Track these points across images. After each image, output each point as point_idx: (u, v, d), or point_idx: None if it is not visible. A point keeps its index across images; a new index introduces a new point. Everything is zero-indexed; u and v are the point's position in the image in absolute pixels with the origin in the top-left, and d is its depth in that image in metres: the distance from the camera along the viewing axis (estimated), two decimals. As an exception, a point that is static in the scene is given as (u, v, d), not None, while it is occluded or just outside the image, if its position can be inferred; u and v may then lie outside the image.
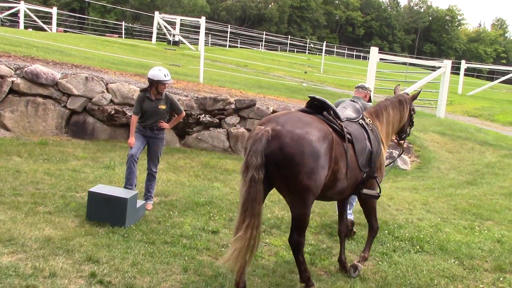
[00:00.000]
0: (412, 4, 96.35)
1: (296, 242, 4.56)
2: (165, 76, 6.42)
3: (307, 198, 4.42)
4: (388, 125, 5.67)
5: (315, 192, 4.43)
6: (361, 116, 5.28)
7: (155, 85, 6.48)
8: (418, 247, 6.25)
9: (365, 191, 5.16)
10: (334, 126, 4.74)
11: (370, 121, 5.36)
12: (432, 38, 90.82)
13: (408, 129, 6.28)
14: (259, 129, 4.33)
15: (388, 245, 6.22)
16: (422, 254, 6.06)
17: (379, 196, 5.29)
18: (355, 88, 6.85)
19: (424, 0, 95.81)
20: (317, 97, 4.95)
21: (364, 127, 5.16)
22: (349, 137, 4.81)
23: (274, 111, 11.28)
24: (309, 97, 5.01)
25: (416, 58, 55.99)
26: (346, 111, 5.23)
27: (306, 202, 4.43)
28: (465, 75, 31.03)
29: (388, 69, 31.01)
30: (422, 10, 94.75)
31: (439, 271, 5.58)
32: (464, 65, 29.06)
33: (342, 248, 5.46)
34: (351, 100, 5.59)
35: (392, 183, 9.86)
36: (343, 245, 5.47)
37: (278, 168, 4.30)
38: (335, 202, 6.02)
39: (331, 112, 4.88)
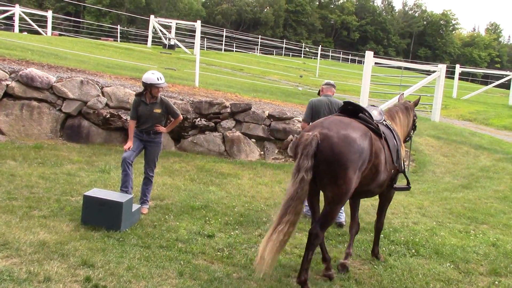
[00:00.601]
0: (406, 9, 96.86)
1: (315, 235, 4.82)
2: (158, 80, 6.42)
3: (349, 192, 4.84)
4: (401, 128, 6.23)
5: (355, 186, 4.87)
6: (383, 118, 5.80)
7: (148, 88, 6.48)
8: (413, 251, 6.26)
9: (396, 185, 5.77)
10: (371, 126, 5.25)
11: (390, 122, 5.87)
12: (426, 43, 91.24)
13: (412, 133, 6.70)
14: (307, 135, 4.80)
15: (384, 248, 6.22)
16: (417, 258, 6.07)
17: (410, 187, 6.11)
18: (325, 85, 7.33)
19: (418, 5, 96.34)
20: (352, 102, 5.66)
21: (389, 127, 5.68)
22: (384, 135, 5.36)
23: (269, 115, 11.30)
24: (344, 102, 5.70)
25: (411, 62, 56.20)
26: (372, 113, 5.66)
27: (347, 195, 4.87)
28: (459, 79, 31.14)
29: (383, 73, 31.12)
30: (416, 14, 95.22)
31: (434, 275, 5.58)
32: (458, 69, 29.17)
33: (351, 243, 5.77)
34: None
35: (388, 187, 9.86)
36: (352, 240, 5.82)
37: (329, 166, 4.74)
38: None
39: (366, 114, 5.44)
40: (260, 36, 50.25)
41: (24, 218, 5.76)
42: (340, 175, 4.74)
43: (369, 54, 15.95)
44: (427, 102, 19.59)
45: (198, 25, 17.15)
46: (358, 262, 5.77)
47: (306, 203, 6.43)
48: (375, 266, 5.67)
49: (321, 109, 7.00)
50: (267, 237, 4.64)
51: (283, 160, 11.24)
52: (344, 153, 4.71)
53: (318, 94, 7.51)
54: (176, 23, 34.43)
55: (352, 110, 5.48)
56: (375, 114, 5.65)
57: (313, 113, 7.05)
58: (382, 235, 6.63)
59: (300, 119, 11.75)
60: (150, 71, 6.58)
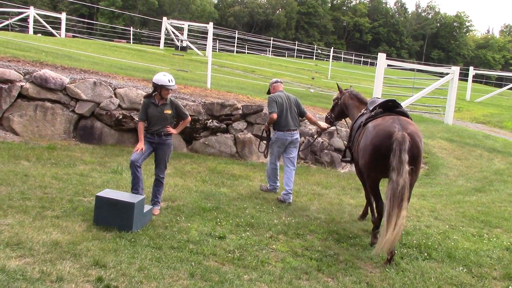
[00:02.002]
0: (420, 11, 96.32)
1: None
2: (169, 82, 6.43)
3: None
4: None
5: None
6: None
7: (159, 89, 6.49)
8: (426, 254, 6.20)
9: None
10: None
11: None
12: (440, 45, 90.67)
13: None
14: (398, 133, 5.68)
15: (396, 252, 6.17)
16: (430, 261, 6.02)
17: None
18: (276, 83, 8.36)
19: (432, 7, 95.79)
20: (392, 99, 6.71)
21: None
22: None
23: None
24: (386, 100, 6.65)
25: (424, 64, 55.91)
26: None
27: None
28: (473, 81, 30.90)
29: (395, 75, 30.98)
30: (430, 16, 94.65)
31: (447, 278, 5.53)
32: (472, 71, 28.95)
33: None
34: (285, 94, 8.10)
35: (400, 189, 9.80)
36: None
37: (415, 160, 5.76)
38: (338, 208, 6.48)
39: (402, 109, 6.59)
40: (272, 38, 50.31)
41: (37, 218, 5.80)
42: (419, 166, 5.97)
43: (381, 56, 15.89)
44: (440, 105, 19.46)
45: (210, 27, 17.19)
46: (370, 265, 5.74)
47: (272, 182, 8.30)
48: (387, 270, 5.63)
49: (283, 102, 8.05)
50: (393, 223, 5.45)
51: (295, 162, 11.22)
52: (422, 149, 5.91)
53: (269, 92, 8.46)
54: (189, 25, 34.56)
55: (392, 106, 6.50)
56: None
57: (278, 106, 7.97)
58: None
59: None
60: (162, 72, 6.59)
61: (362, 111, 7.10)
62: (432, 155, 12.29)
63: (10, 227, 5.40)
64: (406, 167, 5.53)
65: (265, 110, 11.22)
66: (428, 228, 7.32)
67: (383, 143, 5.74)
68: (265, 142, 8.61)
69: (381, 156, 5.75)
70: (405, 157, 5.54)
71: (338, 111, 8.10)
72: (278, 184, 8.40)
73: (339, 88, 8.25)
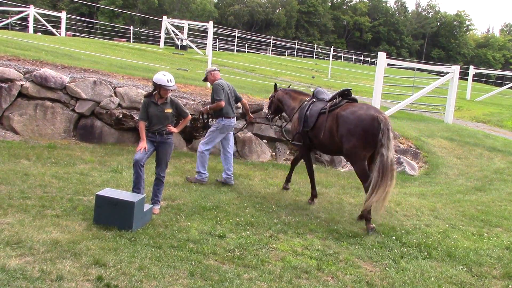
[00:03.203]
0: (420, 10, 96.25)
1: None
2: (168, 82, 6.42)
3: None
4: None
5: None
6: None
7: (158, 89, 6.50)
8: (426, 253, 6.21)
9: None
10: None
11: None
12: (440, 44, 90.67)
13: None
14: (379, 116, 6.77)
15: (396, 251, 6.18)
16: (430, 260, 6.02)
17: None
18: (216, 71, 8.62)
19: (432, 6, 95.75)
20: (349, 89, 7.72)
21: None
22: None
23: (281, 116, 11.29)
24: (344, 89, 7.64)
25: (424, 63, 55.90)
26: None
27: None
28: (473, 80, 30.89)
29: (396, 74, 30.98)
30: (430, 15, 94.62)
31: (447, 278, 5.54)
32: (472, 70, 28.94)
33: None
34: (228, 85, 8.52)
35: (400, 188, 9.81)
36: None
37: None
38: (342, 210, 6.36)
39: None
40: (272, 37, 50.33)
41: (37, 217, 5.81)
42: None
43: (381, 55, 15.88)
44: (440, 104, 19.46)
45: (210, 26, 17.19)
46: (370, 264, 5.74)
47: (203, 171, 8.39)
48: (387, 268, 5.63)
49: (228, 90, 8.44)
50: (382, 188, 6.49)
51: (295, 161, 11.22)
52: None
53: (205, 79, 8.76)
54: (189, 24, 34.56)
55: (347, 94, 7.60)
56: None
57: (224, 93, 8.32)
58: (394, 237, 6.62)
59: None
60: (162, 72, 6.58)
61: (306, 99, 8.11)
62: (432, 154, 12.29)
63: (10, 226, 5.40)
64: (393, 143, 6.74)
65: (265, 109, 11.22)
66: (428, 227, 7.32)
67: (371, 126, 6.75)
68: (202, 123, 8.97)
69: (371, 136, 6.75)
70: (392, 134, 6.71)
71: (274, 108, 8.93)
72: (207, 173, 8.44)
73: (275, 87, 9.12)
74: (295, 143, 8.20)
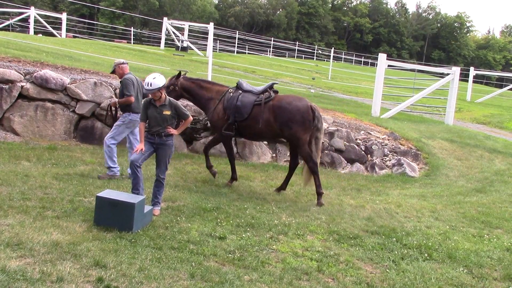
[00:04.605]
0: (420, 11, 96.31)
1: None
2: (147, 85, 6.39)
3: None
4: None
5: None
6: None
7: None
8: (426, 255, 6.20)
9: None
10: None
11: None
12: (440, 45, 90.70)
13: None
14: (312, 105, 8.16)
15: (396, 252, 6.18)
16: (430, 262, 6.02)
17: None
18: (125, 64, 8.40)
19: (432, 7, 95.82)
20: (275, 82, 8.96)
21: None
22: None
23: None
24: (273, 83, 8.65)
25: (425, 64, 55.91)
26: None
27: None
28: (473, 82, 30.91)
29: (396, 75, 30.98)
30: (430, 16, 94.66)
31: (447, 279, 5.53)
32: (472, 72, 28.96)
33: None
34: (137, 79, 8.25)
35: (400, 190, 9.81)
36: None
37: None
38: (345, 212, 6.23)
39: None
40: (272, 38, 50.32)
41: (38, 219, 5.80)
42: None
43: (382, 57, 15.90)
44: (441, 105, 19.47)
45: (211, 27, 17.22)
46: (370, 266, 5.74)
47: (113, 165, 8.16)
48: (387, 270, 5.63)
49: (137, 85, 8.29)
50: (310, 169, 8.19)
51: (295, 162, 11.22)
52: None
53: (113, 72, 8.48)
54: (189, 25, 34.57)
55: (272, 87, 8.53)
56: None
57: (134, 88, 8.18)
58: (394, 239, 6.61)
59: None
60: (153, 74, 6.53)
61: (230, 90, 8.58)
62: (432, 155, 12.28)
63: (11, 228, 5.40)
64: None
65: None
66: (429, 228, 7.32)
67: (307, 113, 7.99)
68: (111, 117, 8.83)
69: (308, 122, 7.99)
70: (322, 120, 8.33)
71: (175, 96, 8.54)
72: (118, 167, 8.25)
73: (178, 74, 8.83)
74: (227, 133, 8.40)
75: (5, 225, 5.48)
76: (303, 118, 7.99)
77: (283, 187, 8.70)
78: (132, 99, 8.10)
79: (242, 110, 8.27)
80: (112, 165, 8.13)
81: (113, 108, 8.71)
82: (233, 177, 8.72)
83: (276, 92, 8.46)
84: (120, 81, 8.28)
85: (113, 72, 8.48)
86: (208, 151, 8.93)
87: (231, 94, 8.51)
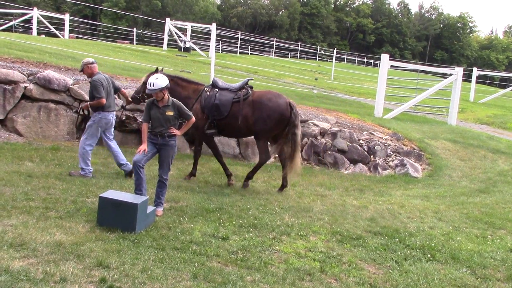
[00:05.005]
0: (423, 11, 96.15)
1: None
2: (149, 85, 6.42)
3: None
4: None
5: None
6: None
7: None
8: (429, 255, 6.19)
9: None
10: None
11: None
12: (443, 45, 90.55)
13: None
14: (290, 101, 8.40)
15: (399, 253, 6.17)
16: (433, 262, 6.01)
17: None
18: (94, 64, 8.32)
19: (435, 7, 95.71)
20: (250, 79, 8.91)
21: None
22: None
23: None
24: (248, 79, 8.68)
25: (427, 65, 55.77)
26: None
27: None
28: (477, 82, 30.85)
29: (399, 76, 30.95)
30: (433, 17, 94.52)
31: (450, 280, 5.52)
32: (475, 72, 28.90)
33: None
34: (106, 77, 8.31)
35: (403, 190, 9.80)
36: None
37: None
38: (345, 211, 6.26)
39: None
40: (275, 39, 50.33)
41: (41, 219, 5.81)
42: None
43: (384, 57, 15.89)
44: (444, 106, 19.44)
45: (213, 28, 17.24)
46: (373, 267, 5.73)
47: (86, 166, 8.06)
48: (390, 271, 5.62)
49: (107, 85, 8.24)
50: (297, 160, 8.35)
51: (298, 163, 11.21)
52: None
53: (82, 71, 8.38)
54: (192, 26, 34.59)
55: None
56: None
57: (104, 89, 8.13)
58: (397, 239, 6.60)
59: (315, 121, 11.74)
60: (156, 74, 6.57)
61: (205, 89, 8.55)
62: (435, 156, 12.26)
63: (14, 228, 5.41)
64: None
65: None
66: (432, 229, 7.30)
67: (286, 110, 8.21)
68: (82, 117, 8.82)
69: (285, 119, 8.23)
70: (299, 116, 8.57)
71: None
72: (91, 168, 8.17)
73: (156, 70, 8.69)
74: (210, 132, 8.46)
75: (9, 225, 5.49)
76: (281, 115, 8.22)
77: (283, 184, 8.77)
78: (104, 101, 8.07)
79: (221, 109, 8.34)
80: (84, 167, 8.07)
81: (85, 111, 8.59)
82: (228, 174, 8.79)
83: (251, 88, 8.58)
84: (90, 83, 8.27)
85: (82, 71, 8.43)
86: (198, 155, 8.99)
87: (208, 92, 8.51)
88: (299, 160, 8.42)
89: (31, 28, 29.59)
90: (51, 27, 30.41)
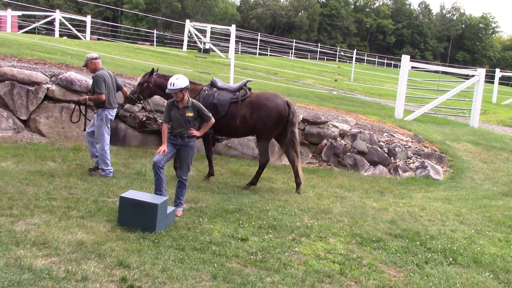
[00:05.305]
0: (444, 12, 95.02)
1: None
2: (170, 85, 6.45)
3: None
4: None
5: None
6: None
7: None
8: (451, 259, 6.10)
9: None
10: None
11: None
12: (465, 46, 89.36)
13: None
14: (288, 101, 8.58)
15: (420, 256, 6.09)
16: (455, 266, 5.92)
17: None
18: (98, 59, 8.41)
19: (457, 8, 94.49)
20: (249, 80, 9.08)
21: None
22: None
23: (304, 119, 11.28)
24: (247, 80, 8.87)
25: (449, 66, 55.13)
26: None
27: None
28: (499, 83, 30.33)
29: (419, 77, 30.63)
30: (455, 17, 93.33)
31: (473, 284, 5.43)
32: (498, 73, 28.43)
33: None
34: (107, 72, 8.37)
35: (424, 193, 9.68)
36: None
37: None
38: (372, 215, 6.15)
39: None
40: (294, 40, 50.20)
41: (63, 218, 5.89)
42: None
43: (405, 58, 15.75)
44: (466, 107, 19.18)
45: (232, 29, 17.27)
46: (394, 270, 5.67)
47: (106, 166, 8.11)
48: (411, 274, 5.56)
49: (109, 81, 8.31)
50: (299, 158, 8.78)
51: (317, 164, 11.18)
52: None
53: (85, 66, 8.46)
54: (211, 28, 34.72)
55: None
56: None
57: (106, 85, 8.18)
58: (418, 242, 6.52)
59: (335, 123, 11.68)
60: (176, 75, 6.61)
61: (204, 88, 8.62)
62: (457, 158, 12.09)
63: (37, 227, 5.49)
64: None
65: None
66: (454, 232, 7.20)
67: (285, 110, 8.37)
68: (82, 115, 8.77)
69: (284, 118, 8.38)
70: (297, 114, 8.78)
71: (149, 92, 8.85)
72: (111, 168, 8.24)
73: (151, 71, 8.84)
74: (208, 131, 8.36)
75: (32, 224, 5.58)
76: (279, 115, 8.35)
77: (297, 182, 8.80)
78: (103, 96, 8.12)
79: (219, 108, 8.41)
80: (105, 167, 8.15)
81: (81, 105, 8.58)
82: (210, 172, 8.85)
83: (249, 89, 8.70)
84: (92, 77, 8.33)
85: (85, 66, 8.50)
86: (211, 154, 9.03)
87: (206, 92, 8.57)
88: (299, 155, 8.77)
89: (53, 30, 30.03)
90: (73, 29, 30.82)
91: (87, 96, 8.45)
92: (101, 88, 8.11)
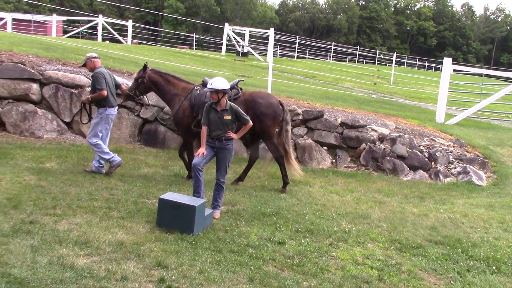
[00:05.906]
0: (488, 13, 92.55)
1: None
2: (209, 84, 6.53)
3: None
4: None
5: None
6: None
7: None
8: (494, 267, 5.92)
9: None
10: None
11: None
12: (510, 48, 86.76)
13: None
14: (280, 100, 8.81)
15: (462, 264, 5.94)
16: (498, 275, 5.74)
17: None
18: (97, 58, 8.54)
19: (501, 9, 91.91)
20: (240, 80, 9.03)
21: None
22: None
23: (342, 123, 11.18)
24: (239, 80, 8.76)
25: (493, 69, 53.60)
26: None
27: None
28: (546, 87, 29.24)
29: (462, 80, 29.91)
30: (499, 19, 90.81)
31: (517, 294, 5.25)
32: (545, 76, 27.44)
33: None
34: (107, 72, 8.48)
35: (466, 199, 9.42)
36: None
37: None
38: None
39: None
40: (333, 43, 49.86)
41: (104, 218, 6.02)
42: None
43: (447, 61, 15.39)
44: (511, 111, 18.59)
45: (271, 32, 17.28)
46: (434, 277, 5.55)
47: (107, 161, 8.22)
48: (452, 282, 5.42)
49: (109, 80, 8.40)
50: (293, 155, 8.92)
51: (356, 168, 11.05)
52: None
53: (84, 65, 8.57)
54: (250, 31, 34.85)
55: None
56: None
57: (106, 83, 8.23)
58: (460, 250, 6.35)
59: (374, 126, 11.53)
60: (216, 77, 6.67)
61: (196, 88, 8.50)
62: (501, 164, 11.72)
63: (79, 226, 5.64)
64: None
65: (326, 116, 11.14)
66: (497, 240, 6.98)
67: (278, 108, 8.52)
68: (86, 114, 8.74)
69: (278, 116, 8.51)
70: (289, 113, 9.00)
71: (145, 88, 8.73)
72: (112, 154, 8.26)
73: (144, 66, 8.77)
74: (196, 129, 8.20)
75: (74, 224, 5.73)
76: (274, 112, 8.45)
77: (241, 178, 8.80)
78: (105, 92, 8.15)
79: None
80: (107, 157, 8.17)
81: (86, 106, 8.64)
82: (190, 175, 8.47)
83: (241, 89, 8.67)
84: (92, 75, 8.39)
85: (84, 65, 8.57)
86: (183, 155, 8.85)
87: (198, 91, 8.44)
88: (293, 156, 8.88)
89: (96, 35, 30.77)
90: (115, 33, 31.51)
91: (90, 96, 8.52)
92: (102, 84, 8.16)
